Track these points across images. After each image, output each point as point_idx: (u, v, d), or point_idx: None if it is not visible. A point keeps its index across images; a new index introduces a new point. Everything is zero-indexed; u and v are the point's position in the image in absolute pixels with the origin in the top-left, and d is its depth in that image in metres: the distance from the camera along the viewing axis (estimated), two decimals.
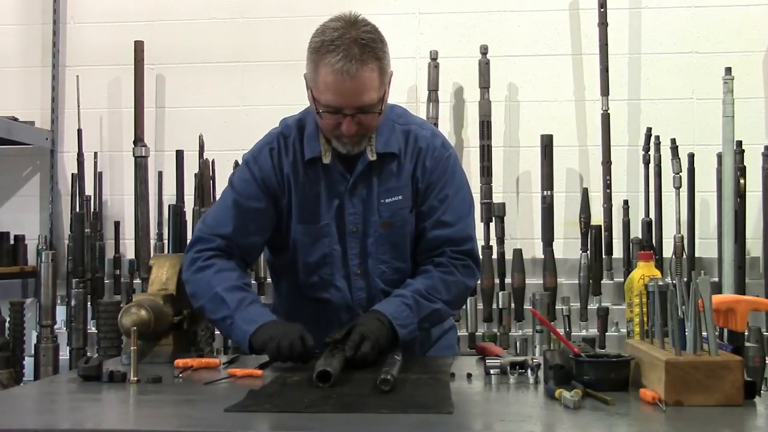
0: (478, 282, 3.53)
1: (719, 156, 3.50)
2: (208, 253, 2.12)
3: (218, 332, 3.58)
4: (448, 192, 2.15)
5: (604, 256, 3.66)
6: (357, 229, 2.14)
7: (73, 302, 3.56)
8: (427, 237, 2.14)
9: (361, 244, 2.14)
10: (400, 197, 2.13)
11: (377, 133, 2.12)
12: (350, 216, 2.13)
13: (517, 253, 3.60)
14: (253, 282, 3.68)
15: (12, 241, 3.87)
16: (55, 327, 3.60)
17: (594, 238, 3.63)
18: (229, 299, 2.04)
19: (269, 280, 3.72)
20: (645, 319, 1.74)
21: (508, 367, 1.80)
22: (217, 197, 3.72)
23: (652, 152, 3.62)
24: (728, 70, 3.47)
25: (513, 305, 3.58)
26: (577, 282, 3.63)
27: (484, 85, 3.70)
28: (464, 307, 3.57)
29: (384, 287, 2.14)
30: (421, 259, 2.17)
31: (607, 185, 3.67)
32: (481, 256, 3.50)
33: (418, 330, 2.07)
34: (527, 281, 3.59)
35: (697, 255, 3.62)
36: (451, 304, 2.13)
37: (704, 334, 1.58)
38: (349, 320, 2.10)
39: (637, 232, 3.65)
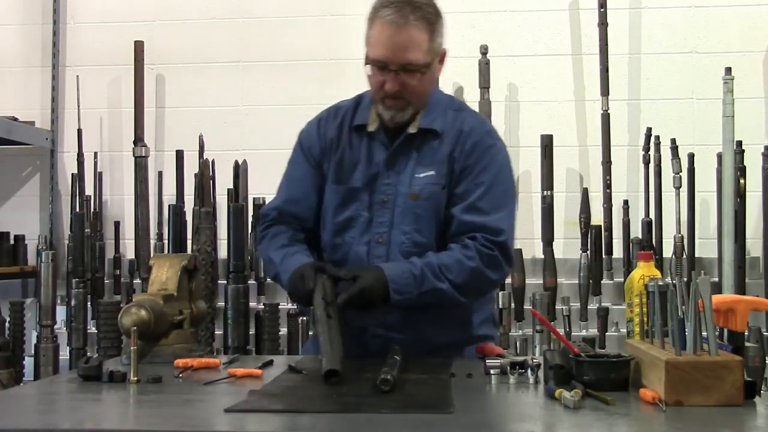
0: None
1: (719, 156, 3.50)
2: (265, 224, 2.29)
3: (218, 332, 3.60)
4: (484, 179, 2.13)
5: (604, 256, 3.65)
6: (387, 200, 2.16)
7: (73, 302, 3.57)
8: (459, 220, 2.12)
9: (389, 215, 2.16)
10: (432, 173, 2.15)
11: (426, 111, 2.16)
12: (383, 186, 2.16)
13: (517, 253, 3.59)
14: (253, 282, 3.68)
15: (12, 241, 3.87)
16: (55, 327, 3.61)
17: (594, 238, 3.63)
18: (275, 258, 2.19)
19: (269, 280, 3.74)
20: (645, 319, 1.74)
21: (508, 367, 1.80)
22: (218, 197, 3.79)
23: (652, 152, 3.62)
24: (728, 70, 3.47)
25: (513, 305, 3.57)
26: (577, 282, 3.63)
27: (484, 85, 3.70)
28: None
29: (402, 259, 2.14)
30: (451, 243, 2.15)
31: (607, 185, 3.67)
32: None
33: (417, 302, 2.05)
34: (527, 281, 3.60)
35: (697, 255, 3.62)
36: (460, 288, 2.08)
37: (704, 334, 1.58)
38: None
39: (637, 232, 3.65)
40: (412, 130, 2.16)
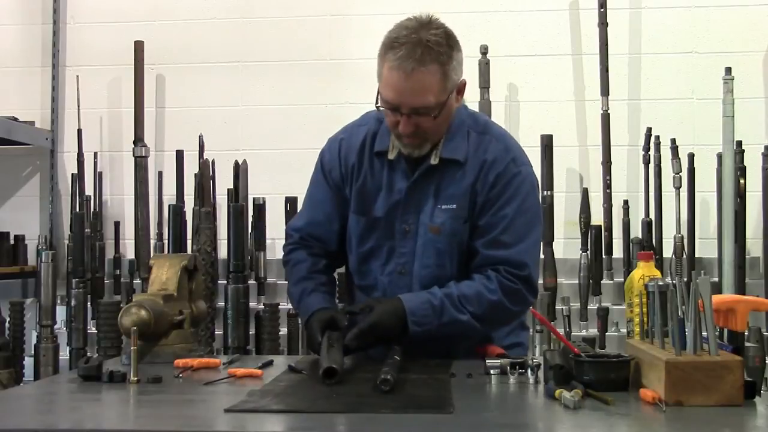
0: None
1: (719, 156, 3.50)
2: (288, 248, 2.29)
3: (218, 332, 3.59)
4: (508, 211, 2.08)
5: (604, 256, 3.65)
6: (409, 230, 2.13)
7: (73, 302, 3.57)
8: (482, 254, 2.09)
9: (411, 245, 2.13)
10: (454, 206, 2.10)
11: (447, 138, 2.11)
12: (405, 215, 2.13)
13: None
14: (253, 282, 3.68)
15: (12, 241, 3.87)
16: (55, 327, 3.61)
17: (594, 238, 3.62)
18: (294, 294, 2.23)
19: (269, 280, 3.75)
20: (645, 319, 1.74)
21: (508, 367, 1.80)
22: (218, 197, 3.79)
23: (652, 152, 3.62)
24: (728, 70, 3.46)
25: None
26: (577, 282, 3.63)
27: (484, 85, 3.70)
28: None
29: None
30: (474, 273, 2.11)
31: (607, 185, 3.67)
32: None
33: (437, 333, 2.03)
34: None
35: (697, 255, 3.62)
36: (481, 320, 2.05)
37: (704, 334, 1.58)
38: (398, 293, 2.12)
39: (637, 232, 3.65)
40: (433, 161, 2.10)
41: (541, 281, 3.60)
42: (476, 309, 2.04)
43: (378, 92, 2.04)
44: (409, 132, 2.02)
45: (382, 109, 2.05)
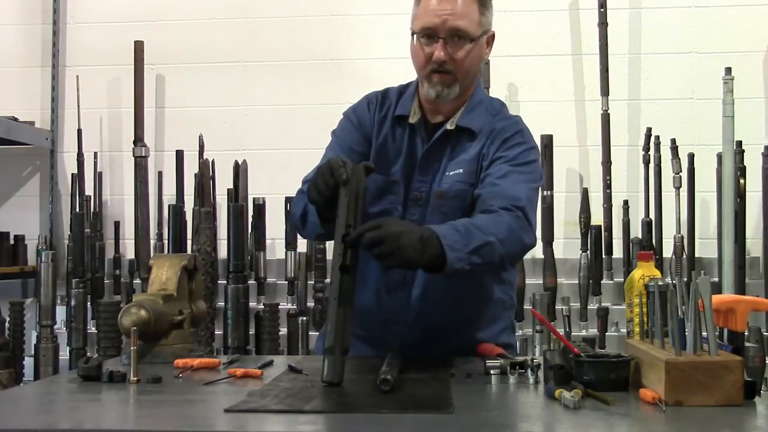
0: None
1: (719, 156, 3.50)
2: (300, 187, 2.18)
3: (218, 332, 3.59)
4: (507, 167, 2.07)
5: (604, 256, 3.66)
6: (421, 197, 2.14)
7: (73, 302, 3.57)
8: (479, 195, 2.06)
9: (421, 213, 2.14)
10: (461, 170, 2.13)
11: (466, 110, 2.16)
12: (417, 183, 2.15)
13: None
14: (253, 282, 3.69)
15: (12, 241, 3.87)
16: (55, 327, 3.61)
17: (594, 238, 3.63)
18: (303, 188, 2.12)
19: (269, 280, 3.75)
20: (645, 319, 1.74)
21: (508, 367, 1.80)
22: (218, 197, 3.79)
23: (652, 152, 3.62)
24: (728, 70, 3.47)
25: None
26: (577, 282, 3.63)
27: (484, 85, 3.69)
28: None
29: None
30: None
31: (607, 185, 3.68)
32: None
33: (468, 264, 1.86)
34: (527, 281, 3.59)
35: (697, 255, 3.62)
36: (504, 244, 1.92)
37: (704, 334, 1.58)
38: (398, 277, 2.11)
39: (637, 232, 3.65)
40: (449, 126, 2.14)
41: (541, 281, 3.61)
42: (497, 231, 1.93)
43: (412, 34, 2.11)
44: (443, 58, 2.06)
45: (414, 46, 2.10)
